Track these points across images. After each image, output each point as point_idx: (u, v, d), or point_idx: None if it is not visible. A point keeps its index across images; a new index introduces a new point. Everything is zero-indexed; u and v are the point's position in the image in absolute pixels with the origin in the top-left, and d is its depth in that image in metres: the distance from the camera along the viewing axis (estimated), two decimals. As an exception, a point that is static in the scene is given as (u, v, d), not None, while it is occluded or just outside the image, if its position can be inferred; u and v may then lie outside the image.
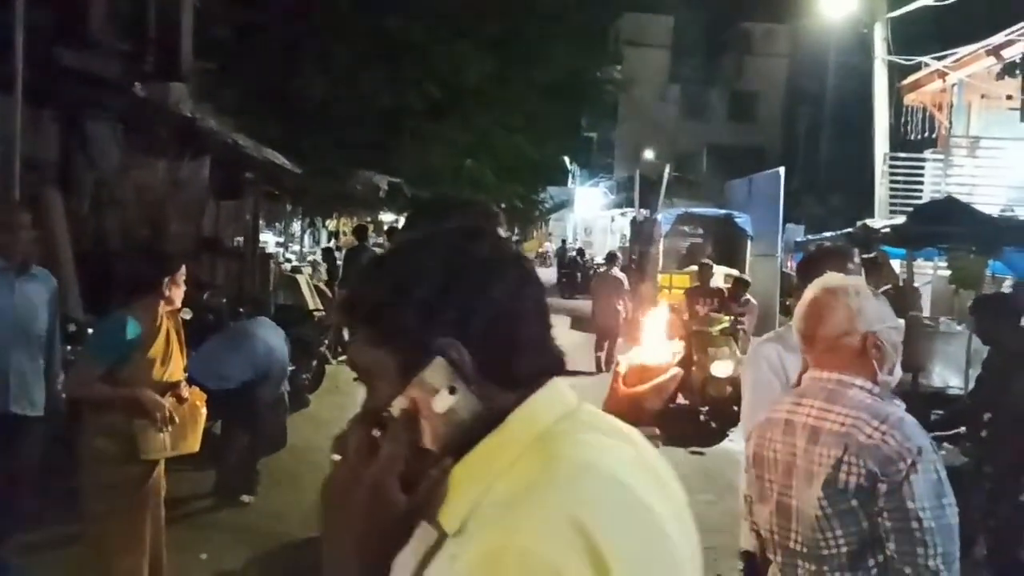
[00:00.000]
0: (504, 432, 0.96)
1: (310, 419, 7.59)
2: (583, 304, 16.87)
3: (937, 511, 1.88)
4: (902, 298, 6.32)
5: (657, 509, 0.95)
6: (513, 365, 0.98)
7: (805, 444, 2.05)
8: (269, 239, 15.85)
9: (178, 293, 3.88)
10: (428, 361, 0.93)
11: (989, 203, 10.27)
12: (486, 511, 0.90)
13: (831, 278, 2.25)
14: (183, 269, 3.91)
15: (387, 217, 17.99)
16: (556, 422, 0.98)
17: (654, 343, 1.70)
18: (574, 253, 30.95)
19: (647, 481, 0.99)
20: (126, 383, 3.68)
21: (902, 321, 2.81)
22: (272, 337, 6.18)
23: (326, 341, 9.46)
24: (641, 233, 17.98)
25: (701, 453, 8.17)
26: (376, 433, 0.96)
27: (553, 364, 1.04)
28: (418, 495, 0.94)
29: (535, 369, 1.00)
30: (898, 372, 3.23)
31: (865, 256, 6.49)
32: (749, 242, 13.79)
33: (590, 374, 12.18)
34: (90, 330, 5.00)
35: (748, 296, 10.55)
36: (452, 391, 0.94)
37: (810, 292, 2.19)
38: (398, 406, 0.94)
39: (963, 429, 5.39)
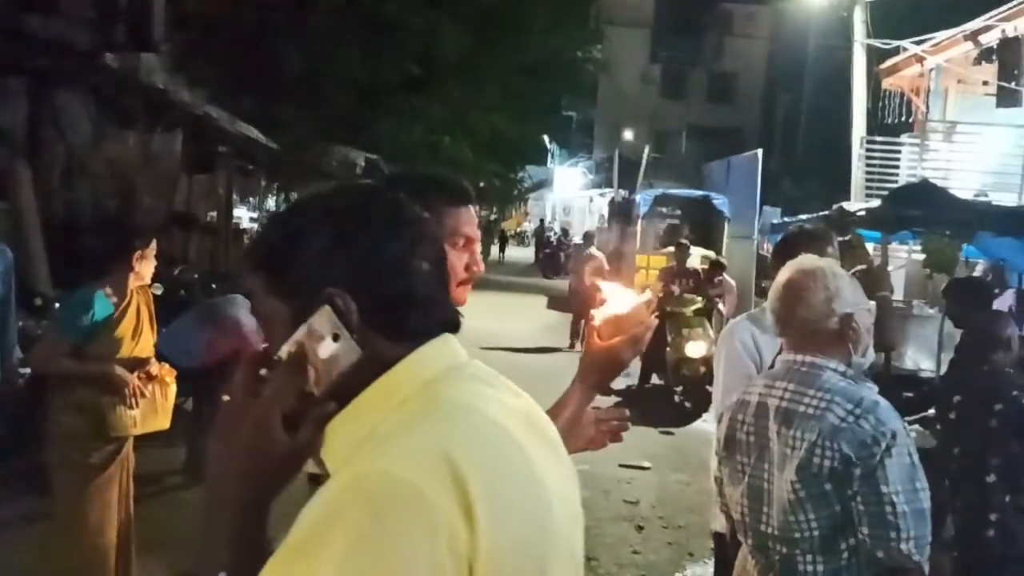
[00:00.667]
0: (390, 379, 0.99)
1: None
2: (564, 285, 16.90)
3: (910, 495, 1.88)
4: (872, 279, 6.34)
5: (534, 457, 0.99)
6: (403, 319, 1.01)
7: (779, 427, 2.04)
8: (243, 214, 15.69)
9: (148, 268, 3.81)
10: (316, 309, 0.97)
11: (964, 188, 10.34)
12: (364, 447, 0.94)
13: (807, 260, 2.24)
14: (153, 244, 3.84)
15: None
16: (443, 372, 1.02)
17: (625, 296, 1.70)
18: (555, 233, 30.90)
19: (529, 432, 1.03)
20: (94, 359, 3.62)
21: (873, 303, 2.82)
22: (245, 314, 6.11)
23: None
24: (619, 214, 18.00)
25: (671, 433, 8.21)
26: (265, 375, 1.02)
27: (447, 321, 1.07)
28: (301, 436, 0.98)
29: (426, 324, 1.03)
30: (871, 354, 3.24)
31: (840, 239, 6.51)
32: (726, 224, 13.84)
33: (567, 351, 12.28)
34: (58, 304, 4.92)
35: (724, 276, 10.59)
36: (336, 339, 0.97)
37: (785, 274, 2.17)
38: (286, 350, 0.98)
39: (932, 411, 5.45)
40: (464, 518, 0.87)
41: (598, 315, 1.69)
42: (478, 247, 1.74)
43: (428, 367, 1.01)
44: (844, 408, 1.95)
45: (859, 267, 6.83)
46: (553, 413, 1.68)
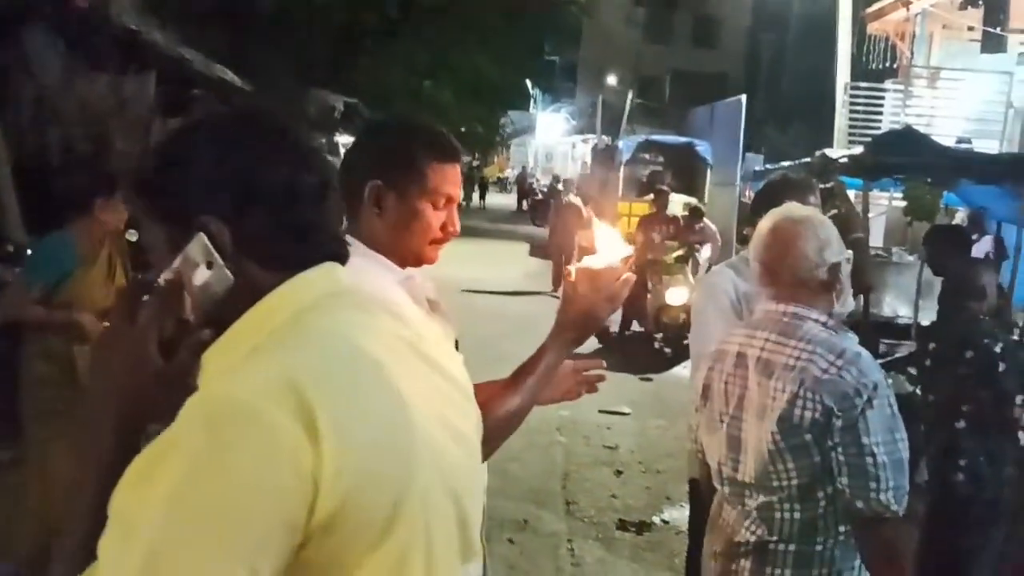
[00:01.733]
0: (262, 307, 0.99)
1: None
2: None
3: (890, 446, 1.88)
4: (844, 222, 6.31)
5: (406, 386, 0.99)
6: (279, 247, 1.02)
7: (759, 378, 2.03)
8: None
9: (115, 214, 3.72)
10: (191, 236, 0.98)
11: (947, 135, 10.33)
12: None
13: (794, 208, 2.20)
14: (121, 189, 3.75)
15: (343, 139, 17.63)
16: (319, 299, 1.01)
17: (603, 250, 1.67)
18: (537, 181, 30.65)
19: (412, 361, 1.05)
20: (64, 306, 3.57)
21: (849, 252, 2.80)
22: (222, 260, 6.04)
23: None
24: (602, 160, 17.89)
25: (650, 379, 8.27)
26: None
27: (329, 251, 1.07)
28: (175, 361, 1.00)
29: (305, 254, 1.03)
30: (850, 302, 3.23)
31: (822, 186, 6.49)
32: (709, 171, 13.80)
33: (549, 294, 12.48)
34: (29, 251, 4.84)
35: (705, 222, 10.60)
36: (209, 266, 0.98)
37: (771, 222, 2.12)
38: (164, 278, 1.00)
39: (901, 353, 5.52)
40: (309, 441, 0.86)
41: (574, 270, 1.67)
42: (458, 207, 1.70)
43: (302, 296, 1.01)
44: (826, 359, 1.93)
45: (831, 211, 6.82)
46: (527, 367, 1.66)
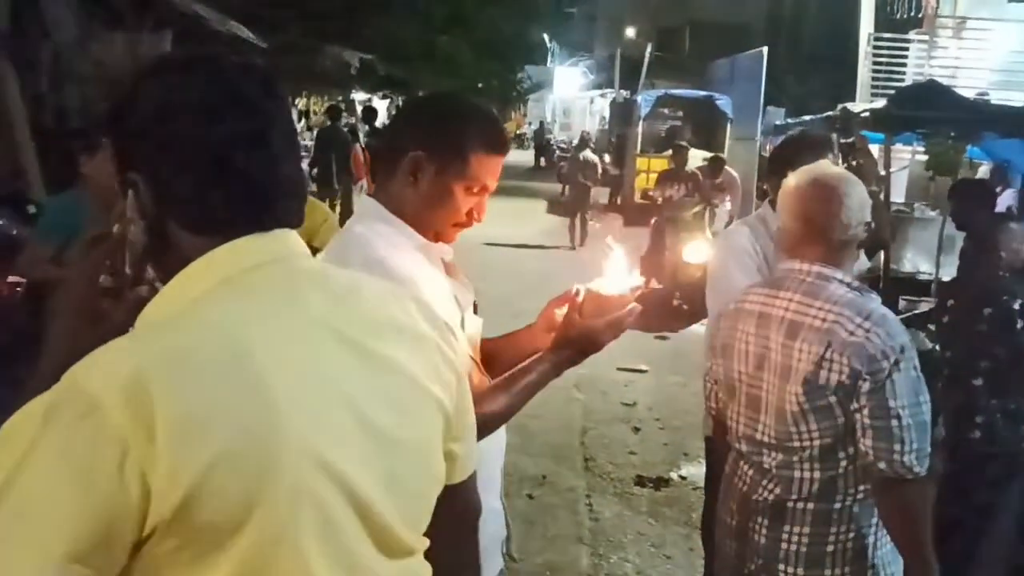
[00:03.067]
0: (187, 274, 0.97)
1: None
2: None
3: (915, 408, 1.88)
4: (863, 177, 6.22)
5: (284, 383, 0.91)
6: (207, 210, 0.98)
7: (783, 339, 2.01)
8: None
9: (106, 171, 3.71)
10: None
11: (972, 87, 10.11)
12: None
13: (829, 165, 2.17)
14: (107, 146, 3.74)
15: (359, 96, 17.49)
16: (246, 271, 0.97)
17: (614, 275, 1.68)
18: (553, 137, 30.38)
19: (319, 348, 0.97)
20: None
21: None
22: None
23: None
24: (620, 115, 17.73)
25: (667, 337, 8.27)
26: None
27: (275, 215, 1.01)
28: (116, 314, 1.04)
29: (240, 217, 0.99)
30: (864, 260, 3.20)
31: (844, 140, 6.41)
32: (729, 125, 13.64)
33: (568, 249, 12.71)
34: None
35: (727, 170, 10.51)
36: (135, 223, 1.00)
37: (810, 178, 2.05)
38: (115, 230, 1.05)
39: (923, 309, 5.48)
40: (143, 441, 0.83)
41: (582, 290, 1.67)
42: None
43: (227, 264, 0.97)
44: (853, 322, 1.91)
45: (845, 166, 6.73)
46: (520, 371, 1.64)
